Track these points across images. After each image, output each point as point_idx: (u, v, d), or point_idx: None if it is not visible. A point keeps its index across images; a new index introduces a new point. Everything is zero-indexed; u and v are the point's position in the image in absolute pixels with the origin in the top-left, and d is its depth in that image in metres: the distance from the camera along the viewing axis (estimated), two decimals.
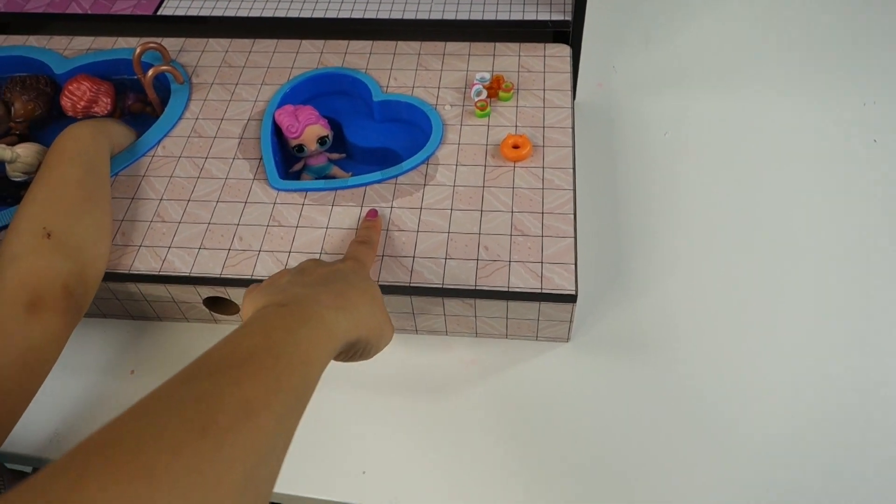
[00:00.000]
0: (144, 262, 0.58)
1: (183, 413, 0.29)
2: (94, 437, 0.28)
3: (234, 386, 0.32)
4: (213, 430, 0.29)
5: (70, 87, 0.70)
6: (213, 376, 0.32)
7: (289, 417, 0.34)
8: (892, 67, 0.82)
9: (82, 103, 0.70)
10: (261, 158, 0.65)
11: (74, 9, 0.79)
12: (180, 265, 0.58)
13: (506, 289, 0.55)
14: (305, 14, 0.76)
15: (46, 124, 0.73)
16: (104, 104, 0.71)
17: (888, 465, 0.53)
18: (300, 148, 0.67)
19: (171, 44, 0.77)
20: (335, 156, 0.69)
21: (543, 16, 0.74)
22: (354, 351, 0.45)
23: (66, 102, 0.70)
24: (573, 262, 0.56)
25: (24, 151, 0.62)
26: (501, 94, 0.68)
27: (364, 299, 0.45)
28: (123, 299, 0.61)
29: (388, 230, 0.59)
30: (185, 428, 0.28)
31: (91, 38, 0.78)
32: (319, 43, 0.76)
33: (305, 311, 0.40)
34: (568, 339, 0.60)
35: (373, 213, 0.60)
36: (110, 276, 0.57)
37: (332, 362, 0.41)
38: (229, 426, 0.29)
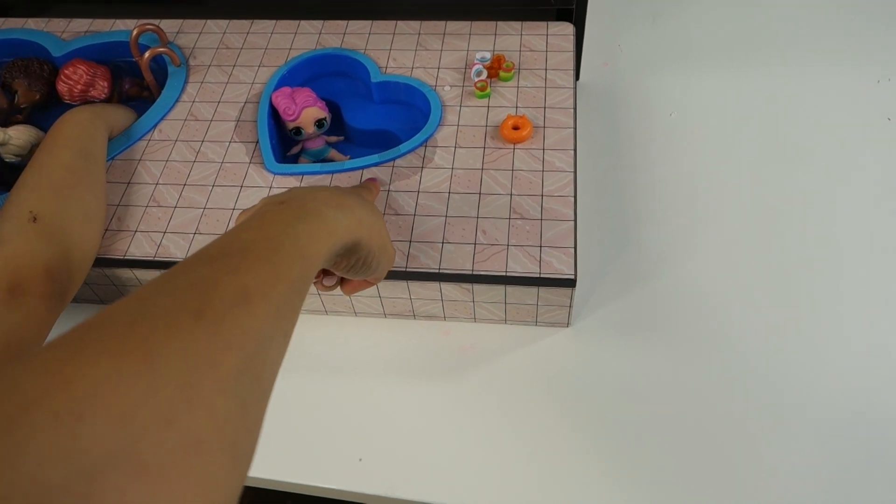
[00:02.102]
0: (140, 248, 0.58)
1: (179, 297, 0.29)
2: (89, 319, 0.27)
3: (231, 273, 0.31)
4: (210, 313, 0.28)
5: (66, 72, 0.70)
6: (210, 265, 0.32)
7: (287, 309, 0.33)
8: None
9: (79, 87, 0.70)
10: (257, 142, 0.64)
11: None
12: (176, 251, 0.57)
13: (504, 273, 0.54)
14: None
15: (46, 109, 0.72)
16: (101, 88, 0.70)
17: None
18: (297, 131, 0.66)
19: (168, 25, 0.76)
20: (333, 138, 0.68)
21: None
22: (357, 258, 0.45)
23: (62, 87, 0.70)
24: (573, 245, 0.55)
25: (16, 133, 0.61)
26: (502, 73, 0.66)
27: (364, 207, 0.45)
28: (119, 285, 0.60)
29: (385, 213, 0.58)
30: (181, 310, 0.28)
31: (89, 21, 0.77)
32: (318, 23, 0.74)
33: (304, 206, 0.40)
34: (568, 324, 0.59)
35: (372, 179, 0.60)
36: (105, 262, 0.57)
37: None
38: (225, 311, 0.29)
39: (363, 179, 0.60)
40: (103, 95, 0.71)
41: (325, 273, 0.49)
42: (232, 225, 0.58)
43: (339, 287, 0.51)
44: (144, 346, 0.26)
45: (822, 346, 0.57)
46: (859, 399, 0.54)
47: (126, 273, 0.58)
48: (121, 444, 0.23)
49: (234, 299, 0.30)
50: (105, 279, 0.60)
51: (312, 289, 0.58)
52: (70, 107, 0.68)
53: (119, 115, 0.66)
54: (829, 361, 0.56)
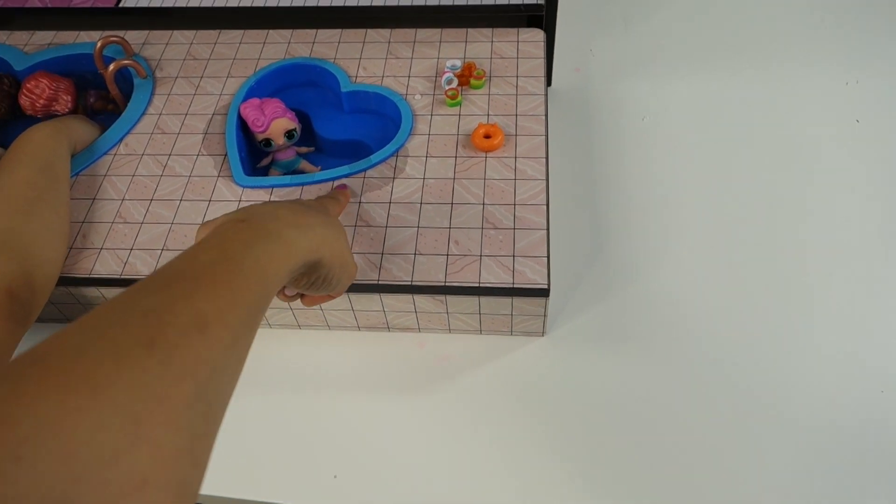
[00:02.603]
0: (105, 266, 0.56)
1: (130, 327, 0.28)
2: (33, 349, 0.26)
3: (186, 299, 0.30)
4: (162, 343, 0.27)
5: (28, 86, 0.68)
6: (165, 290, 0.31)
7: (243, 333, 0.33)
8: (874, 46, 0.80)
9: (41, 101, 0.68)
10: (226, 154, 0.63)
11: (34, 2, 0.77)
12: (142, 268, 0.56)
13: (477, 284, 0.53)
14: (272, 3, 0.74)
15: (8, 125, 0.71)
16: (64, 102, 0.69)
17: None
18: (267, 142, 0.65)
19: (133, 37, 0.74)
20: (303, 149, 0.67)
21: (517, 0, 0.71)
22: (317, 276, 0.44)
23: (24, 101, 0.68)
24: (546, 255, 0.54)
25: None
26: (473, 81, 0.66)
27: (326, 225, 0.44)
28: (85, 304, 0.59)
29: (356, 225, 0.57)
30: (131, 341, 0.27)
31: (52, 33, 0.76)
32: (287, 33, 0.74)
33: (264, 226, 0.39)
34: (543, 334, 0.59)
35: (342, 186, 0.59)
36: (70, 281, 0.56)
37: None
38: (178, 340, 0.28)
39: (333, 187, 0.59)
40: (67, 109, 0.70)
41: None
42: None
43: (299, 299, 0.50)
44: (91, 380, 0.25)
45: (794, 351, 0.57)
46: (832, 403, 0.54)
47: (92, 292, 0.57)
48: (61, 487, 0.22)
49: (189, 327, 0.29)
50: (70, 298, 0.58)
51: (284, 304, 0.57)
52: (34, 121, 0.67)
53: (82, 130, 0.64)
54: (802, 366, 0.56)
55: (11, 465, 0.21)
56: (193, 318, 0.29)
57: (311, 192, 0.60)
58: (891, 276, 0.61)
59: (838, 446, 0.52)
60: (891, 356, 0.56)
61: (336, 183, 0.60)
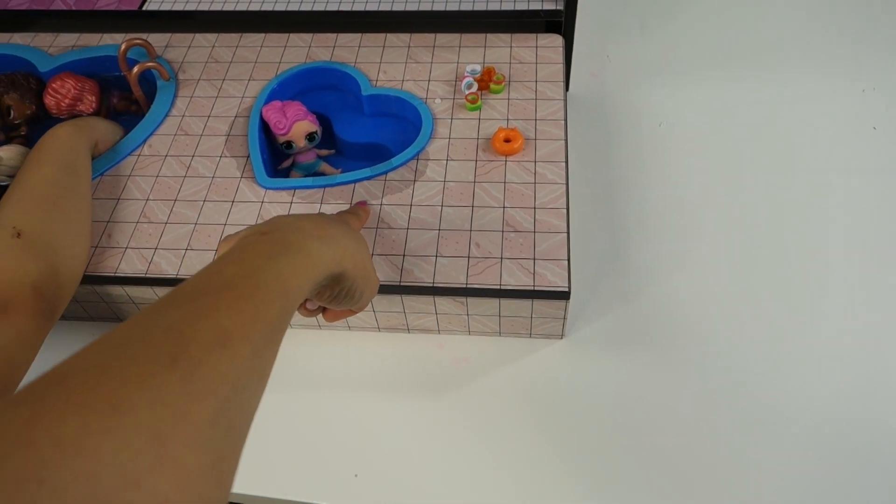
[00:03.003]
0: (130, 264, 0.57)
1: (152, 343, 0.28)
2: (54, 369, 0.26)
3: (208, 315, 0.30)
4: (184, 361, 0.27)
5: (54, 86, 0.69)
6: (187, 305, 0.31)
7: (266, 348, 0.32)
8: (891, 54, 0.80)
9: (66, 101, 0.69)
10: (248, 156, 0.64)
11: (59, 5, 0.78)
12: (167, 267, 0.57)
13: (498, 287, 0.54)
14: (293, 7, 0.75)
15: (34, 124, 0.72)
16: (89, 102, 0.70)
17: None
18: (288, 144, 0.65)
19: (156, 39, 0.75)
20: (324, 152, 0.68)
21: (535, 5, 0.72)
22: (340, 288, 0.44)
23: (49, 101, 0.69)
24: (566, 258, 0.55)
25: (7, 154, 0.61)
26: (493, 86, 0.67)
27: (349, 237, 0.44)
28: (110, 302, 0.60)
29: (377, 228, 0.58)
30: (153, 359, 0.27)
31: (76, 35, 0.77)
32: (307, 36, 0.74)
33: (287, 238, 0.39)
34: (562, 336, 0.60)
35: (362, 203, 0.59)
36: (96, 279, 0.57)
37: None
38: (201, 357, 0.28)
39: (354, 198, 0.60)
40: (91, 109, 0.70)
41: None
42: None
43: (321, 314, 0.50)
44: (113, 399, 0.24)
45: (813, 357, 0.57)
46: (850, 412, 0.54)
47: (117, 290, 0.58)
48: None
49: (212, 343, 0.29)
50: (95, 296, 0.59)
51: None
52: (59, 121, 0.67)
53: (103, 129, 0.65)
54: (821, 372, 0.56)
55: (34, 488, 0.21)
56: (216, 334, 0.29)
57: (332, 195, 0.60)
58: None
59: (856, 453, 0.52)
60: None
61: (357, 186, 0.61)
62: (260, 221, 0.58)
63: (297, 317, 0.60)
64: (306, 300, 0.48)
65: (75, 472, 0.22)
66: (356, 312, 0.51)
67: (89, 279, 0.56)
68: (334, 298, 0.45)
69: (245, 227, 0.43)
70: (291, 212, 0.59)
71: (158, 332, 0.28)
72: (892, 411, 0.54)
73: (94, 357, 0.27)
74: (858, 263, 0.63)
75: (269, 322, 0.33)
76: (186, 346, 0.28)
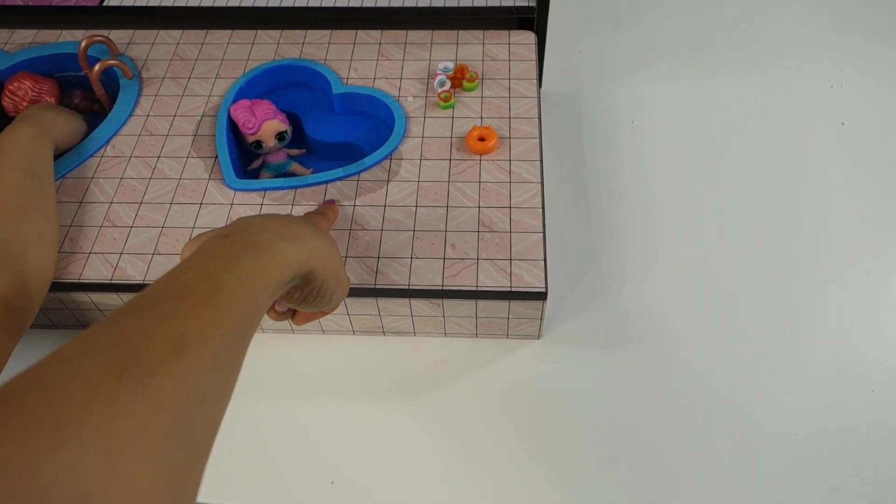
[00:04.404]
0: (95, 270, 0.55)
1: (101, 356, 0.26)
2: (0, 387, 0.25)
3: (163, 323, 0.29)
4: (135, 372, 0.26)
5: (11, 87, 0.67)
6: (142, 314, 0.29)
7: (229, 354, 0.31)
8: (859, 50, 0.81)
9: (24, 104, 0.67)
10: (216, 157, 0.62)
11: (15, 0, 0.75)
12: (133, 272, 0.55)
13: (474, 288, 0.53)
14: (261, 3, 0.73)
15: None
16: (48, 103, 0.67)
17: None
18: (258, 144, 0.64)
19: (118, 36, 0.73)
20: (295, 151, 0.67)
21: (507, 1, 0.71)
22: (310, 289, 0.42)
23: (7, 104, 0.67)
24: (542, 258, 0.54)
25: None
26: (466, 84, 0.66)
27: (317, 235, 0.42)
28: (74, 309, 0.58)
29: (351, 229, 0.57)
30: (101, 372, 0.25)
31: (34, 32, 0.74)
32: (276, 33, 0.73)
33: (251, 239, 0.37)
34: (539, 336, 0.59)
35: (330, 202, 0.58)
36: (59, 286, 0.55)
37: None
38: (154, 367, 0.26)
39: (326, 198, 0.59)
40: None
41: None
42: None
43: (291, 317, 0.49)
44: (57, 418, 0.23)
45: (787, 352, 0.58)
46: (825, 403, 0.55)
47: (81, 297, 0.56)
48: None
49: (166, 352, 0.27)
50: (59, 304, 0.57)
51: None
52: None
53: (63, 124, 0.62)
54: (796, 367, 0.57)
55: None
56: (171, 341, 0.28)
57: (304, 195, 0.59)
58: (877, 276, 0.62)
59: (832, 445, 0.53)
60: (881, 356, 0.57)
61: (330, 187, 0.60)
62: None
63: (269, 321, 0.58)
64: (275, 303, 0.47)
65: (16, 496, 0.21)
66: (327, 314, 0.50)
67: (53, 286, 0.54)
68: (304, 299, 0.44)
69: (210, 229, 0.41)
70: (262, 214, 0.58)
71: (110, 344, 0.27)
72: (865, 406, 0.55)
73: (39, 374, 0.25)
74: (831, 259, 0.63)
75: (232, 327, 0.31)
76: (138, 357, 0.27)
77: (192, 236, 0.56)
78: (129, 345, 0.27)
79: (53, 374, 0.25)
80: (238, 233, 0.38)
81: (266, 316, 0.49)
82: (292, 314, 0.49)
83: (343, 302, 0.55)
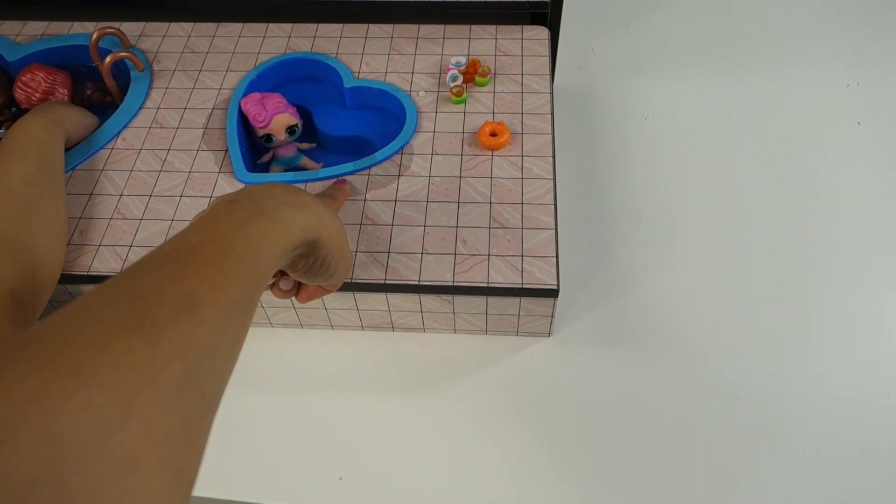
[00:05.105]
0: (104, 263, 0.55)
1: (117, 308, 0.27)
2: (16, 334, 0.26)
3: (175, 280, 0.30)
4: (149, 324, 0.27)
5: (24, 79, 0.66)
6: (153, 272, 0.30)
7: (237, 314, 0.32)
8: (875, 48, 0.80)
9: (38, 95, 0.66)
10: (226, 150, 0.62)
11: None
12: None
13: (485, 284, 0.53)
14: None
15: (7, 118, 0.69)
16: (61, 95, 0.67)
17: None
18: (268, 138, 0.64)
19: (130, 28, 0.73)
20: (305, 145, 0.66)
21: None
22: (315, 258, 0.43)
23: (20, 95, 0.66)
24: (554, 255, 0.54)
25: None
26: (478, 79, 0.65)
27: (324, 206, 0.43)
28: None
29: (361, 224, 0.56)
30: (118, 323, 0.26)
31: (45, 23, 0.74)
32: (287, 27, 0.72)
33: (258, 204, 0.38)
34: (549, 334, 0.59)
35: (341, 181, 0.58)
36: (68, 278, 0.54)
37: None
38: (167, 321, 0.27)
39: (332, 184, 0.58)
40: None
41: (281, 275, 0.48)
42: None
43: (293, 295, 0.49)
44: (76, 362, 0.24)
45: (801, 354, 0.57)
46: (841, 406, 0.54)
47: (90, 290, 0.55)
48: (47, 468, 0.22)
49: (178, 307, 0.28)
50: (68, 296, 0.57)
51: (286, 302, 0.56)
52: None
53: (75, 118, 0.62)
54: (810, 369, 0.56)
55: None
56: (182, 298, 0.29)
57: (314, 189, 0.59)
58: (894, 277, 0.61)
59: (846, 448, 0.52)
60: None
61: (337, 179, 0.59)
62: None
63: (279, 315, 0.58)
64: (280, 280, 0.48)
65: (36, 431, 0.22)
66: (330, 291, 0.50)
67: (62, 278, 0.54)
68: (308, 269, 0.44)
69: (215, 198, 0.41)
70: None
71: (124, 297, 0.28)
72: (881, 405, 0.54)
73: (58, 323, 0.26)
74: (847, 259, 0.62)
75: (240, 287, 0.32)
76: (152, 311, 0.28)
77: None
78: (142, 299, 0.28)
79: (72, 322, 0.26)
80: (245, 198, 0.39)
81: (272, 297, 0.49)
82: (296, 292, 0.49)
83: (352, 296, 0.55)
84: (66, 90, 0.68)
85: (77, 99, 0.70)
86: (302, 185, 0.59)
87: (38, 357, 0.24)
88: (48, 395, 0.23)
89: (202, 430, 0.28)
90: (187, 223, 0.56)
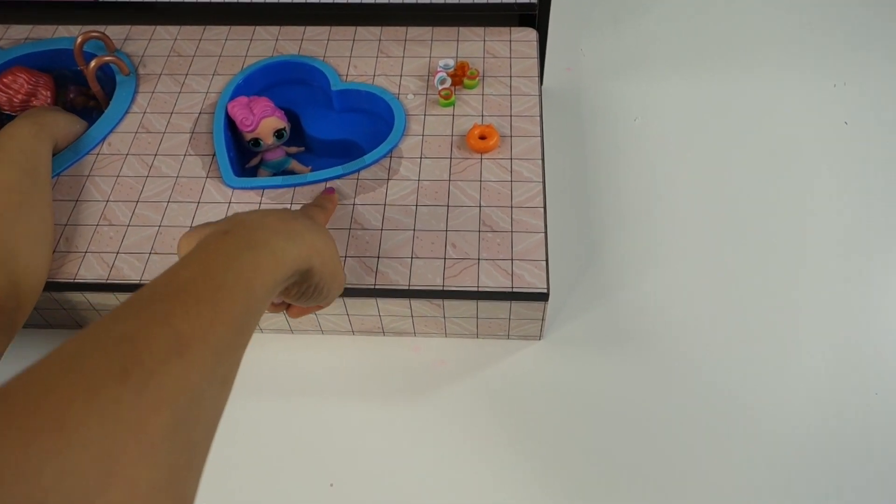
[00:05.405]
0: (91, 270, 0.54)
1: (102, 356, 0.26)
2: (1, 386, 0.25)
3: (164, 320, 0.29)
4: (136, 371, 0.26)
5: (5, 81, 0.66)
6: (142, 312, 0.29)
7: (228, 352, 0.31)
8: (862, 48, 0.81)
9: (19, 97, 0.66)
10: (214, 154, 0.61)
11: None
12: (130, 272, 0.54)
13: (475, 289, 0.53)
14: None
15: None
16: (43, 97, 0.67)
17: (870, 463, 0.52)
18: (256, 142, 0.63)
19: (115, 32, 0.72)
20: (293, 149, 0.66)
21: None
22: (307, 285, 0.42)
23: (1, 97, 0.66)
24: (544, 258, 0.54)
25: None
26: (466, 81, 0.65)
27: (315, 232, 0.42)
28: (69, 309, 0.57)
29: (350, 228, 0.56)
30: (103, 371, 0.25)
31: (29, 27, 0.73)
32: (274, 29, 0.72)
33: (250, 235, 0.37)
34: (540, 337, 0.59)
35: (330, 190, 0.57)
36: (54, 286, 0.54)
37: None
38: (155, 366, 0.26)
39: (322, 192, 0.58)
40: (46, 105, 0.67)
41: None
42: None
43: (284, 309, 0.49)
44: (59, 417, 0.23)
45: (790, 353, 0.57)
46: (827, 410, 0.54)
47: (77, 297, 0.55)
48: None
49: (166, 351, 0.27)
50: (54, 303, 0.56)
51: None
52: (10, 118, 0.64)
53: (63, 124, 0.62)
54: (798, 368, 0.56)
55: None
56: (171, 341, 0.28)
57: (303, 194, 0.58)
58: (881, 277, 0.61)
59: (836, 449, 0.52)
60: (884, 359, 0.57)
61: (326, 185, 0.59)
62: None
63: (269, 321, 0.58)
64: None
65: (14, 498, 0.21)
66: (322, 308, 0.49)
67: (48, 286, 0.53)
68: (301, 295, 0.44)
69: (207, 222, 0.41)
70: None
71: (110, 343, 0.27)
72: (869, 410, 0.54)
73: (42, 374, 0.25)
74: (834, 257, 0.63)
75: (231, 324, 0.31)
76: (139, 357, 0.27)
77: (186, 233, 0.56)
78: (130, 344, 0.27)
79: (55, 373, 0.25)
80: (237, 229, 0.38)
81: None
82: (287, 306, 0.48)
83: (342, 302, 0.55)
84: (48, 92, 0.67)
85: (60, 102, 0.69)
86: (290, 189, 0.59)
87: (19, 415, 0.23)
88: (28, 458, 0.22)
89: (190, 482, 0.27)
90: (174, 228, 0.56)
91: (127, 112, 0.65)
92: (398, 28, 0.71)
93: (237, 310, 0.32)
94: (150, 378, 0.26)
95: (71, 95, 0.69)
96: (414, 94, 0.65)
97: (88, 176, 0.60)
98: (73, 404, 0.24)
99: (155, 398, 0.26)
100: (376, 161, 0.60)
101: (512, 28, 0.71)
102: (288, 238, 0.39)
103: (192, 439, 0.27)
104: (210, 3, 0.72)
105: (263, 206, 0.58)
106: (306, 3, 0.72)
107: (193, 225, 0.57)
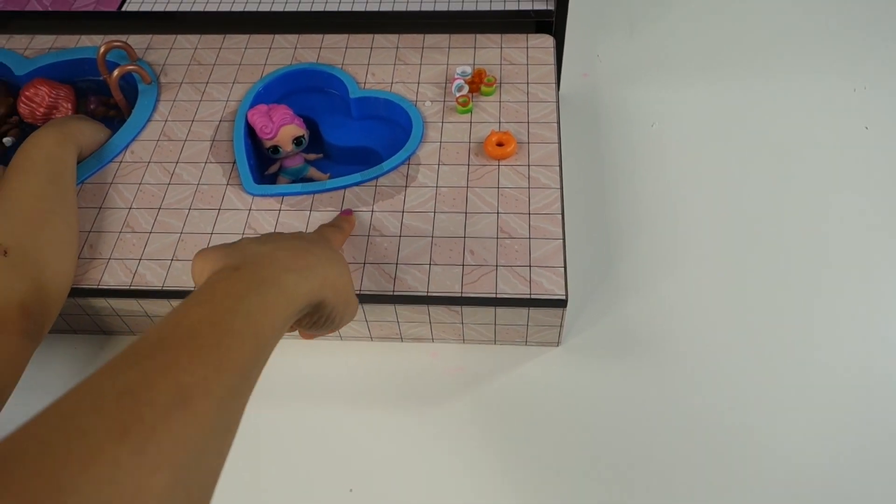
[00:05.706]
0: (114, 276, 0.55)
1: (102, 413, 0.26)
2: None
3: (167, 371, 0.28)
4: (136, 430, 0.25)
5: (27, 94, 0.67)
6: (145, 362, 0.29)
7: (233, 399, 0.30)
8: (882, 52, 0.80)
9: (41, 110, 0.67)
10: (234, 162, 0.62)
11: (34, 6, 0.75)
12: (152, 278, 0.55)
13: (493, 295, 0.53)
14: (278, 7, 0.73)
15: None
16: (65, 109, 0.68)
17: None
18: (275, 149, 0.64)
19: (137, 41, 0.73)
20: (312, 156, 0.67)
21: (525, 5, 0.71)
22: (319, 316, 0.42)
23: (24, 110, 0.67)
24: (562, 265, 0.54)
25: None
26: (484, 88, 0.65)
27: (328, 263, 0.42)
28: (93, 314, 0.58)
29: (369, 235, 0.56)
30: (102, 431, 0.25)
31: (52, 37, 0.75)
32: (293, 38, 0.73)
33: (260, 273, 0.37)
34: (558, 344, 0.59)
35: (348, 211, 0.57)
36: (78, 292, 0.55)
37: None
38: (156, 422, 0.26)
39: (344, 205, 0.58)
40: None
41: None
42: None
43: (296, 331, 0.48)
44: (55, 483, 0.23)
45: (812, 360, 0.57)
46: (855, 414, 0.54)
47: (100, 302, 0.56)
48: None
49: (169, 405, 0.27)
50: (78, 309, 0.57)
51: None
52: (35, 127, 0.65)
53: (88, 133, 0.63)
54: (823, 374, 0.56)
55: None
56: (174, 393, 0.27)
57: (322, 201, 0.59)
58: None
59: (858, 460, 0.52)
60: None
61: (347, 192, 0.59)
62: (247, 232, 0.57)
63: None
64: None
65: None
66: (334, 331, 0.49)
67: (72, 292, 0.54)
68: (313, 325, 0.43)
69: (221, 245, 0.41)
70: (280, 219, 0.58)
71: (111, 397, 0.27)
72: (885, 420, 0.54)
73: (39, 433, 0.25)
74: (856, 266, 0.62)
75: (238, 371, 0.31)
76: (140, 413, 0.26)
77: (211, 242, 0.57)
78: (131, 398, 0.27)
79: (53, 433, 0.25)
80: (247, 265, 0.37)
81: None
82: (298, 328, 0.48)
83: (361, 308, 0.55)
84: (69, 104, 0.68)
85: (81, 113, 0.70)
86: (309, 196, 0.59)
87: (16, 479, 0.23)
88: None
89: None
90: (196, 235, 0.57)
91: (149, 120, 0.66)
92: (415, 36, 0.72)
93: (244, 354, 0.32)
94: (151, 435, 0.26)
95: (91, 106, 0.70)
96: (431, 102, 0.66)
97: (112, 183, 0.61)
98: (70, 467, 0.24)
99: (154, 458, 0.25)
100: (394, 168, 0.61)
101: (529, 35, 0.71)
102: (299, 273, 0.38)
103: (192, 494, 0.27)
104: (230, 13, 0.73)
105: (283, 213, 0.58)
106: (324, 12, 0.72)
107: (214, 236, 0.57)
